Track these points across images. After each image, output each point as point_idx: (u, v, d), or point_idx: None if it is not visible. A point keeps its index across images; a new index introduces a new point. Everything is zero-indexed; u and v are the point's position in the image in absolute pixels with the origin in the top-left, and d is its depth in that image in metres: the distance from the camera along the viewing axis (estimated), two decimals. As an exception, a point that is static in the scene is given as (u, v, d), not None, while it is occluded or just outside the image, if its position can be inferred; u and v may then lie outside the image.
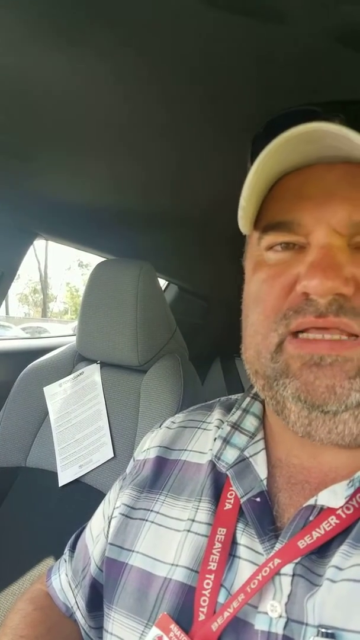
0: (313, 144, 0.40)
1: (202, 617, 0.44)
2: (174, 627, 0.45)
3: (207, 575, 0.46)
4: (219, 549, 0.47)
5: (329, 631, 0.38)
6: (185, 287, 1.92)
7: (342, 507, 0.43)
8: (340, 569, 0.40)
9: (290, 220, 0.44)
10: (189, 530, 0.51)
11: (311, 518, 0.44)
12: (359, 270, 0.42)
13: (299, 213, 0.44)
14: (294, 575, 0.42)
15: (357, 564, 0.40)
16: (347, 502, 0.43)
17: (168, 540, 0.52)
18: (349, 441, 0.43)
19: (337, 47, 0.50)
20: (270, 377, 0.45)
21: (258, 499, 0.48)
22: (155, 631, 0.46)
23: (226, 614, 0.43)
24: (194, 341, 1.57)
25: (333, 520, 0.43)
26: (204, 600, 0.45)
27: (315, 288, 0.41)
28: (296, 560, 0.42)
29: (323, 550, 0.43)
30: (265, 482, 0.49)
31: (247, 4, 0.44)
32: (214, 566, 0.46)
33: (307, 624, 0.40)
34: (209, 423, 0.61)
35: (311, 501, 0.44)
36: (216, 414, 0.61)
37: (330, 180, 0.44)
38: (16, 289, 26.44)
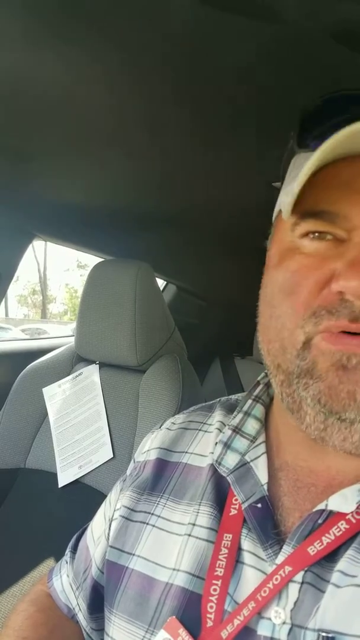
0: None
1: (209, 623, 0.44)
2: (182, 632, 0.45)
3: (214, 582, 0.46)
4: (226, 555, 0.47)
5: (329, 635, 0.38)
6: (184, 287, 1.91)
7: (352, 512, 0.42)
8: (346, 574, 0.40)
9: (336, 212, 0.41)
10: (189, 535, 0.51)
11: (320, 522, 0.43)
12: None
13: (347, 206, 0.41)
14: (302, 582, 0.42)
15: None
16: (357, 507, 0.42)
17: (169, 545, 0.51)
18: None
19: (334, 46, 0.50)
20: (293, 374, 0.43)
21: (259, 505, 0.48)
22: (163, 634, 0.46)
23: (236, 622, 0.42)
24: (193, 341, 1.57)
25: (343, 525, 0.42)
26: (211, 607, 0.45)
27: (354, 289, 0.38)
28: (306, 568, 0.42)
29: (331, 555, 0.42)
30: (265, 487, 0.49)
31: (242, 2, 0.44)
32: (220, 572, 0.46)
33: (306, 628, 0.40)
34: (210, 425, 0.61)
35: (321, 505, 0.43)
36: (217, 416, 0.61)
37: None
38: (15, 290, 26.44)
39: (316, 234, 0.43)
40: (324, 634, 0.38)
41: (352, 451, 0.41)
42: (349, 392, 0.39)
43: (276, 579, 0.42)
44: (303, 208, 0.43)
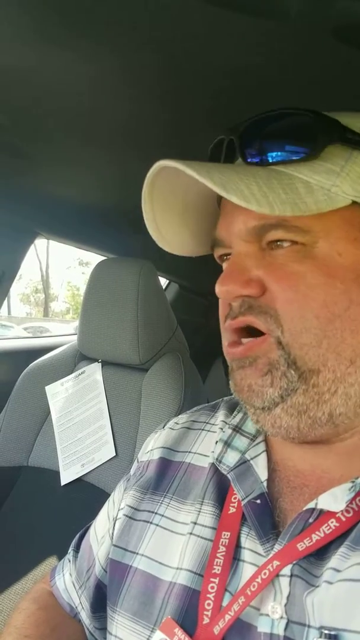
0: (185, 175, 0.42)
1: (206, 620, 0.44)
2: (178, 631, 0.45)
3: (212, 579, 0.46)
4: (223, 553, 0.47)
5: (332, 632, 0.38)
6: (186, 285, 1.91)
7: (342, 510, 0.43)
8: (338, 570, 0.40)
9: (218, 236, 0.50)
10: (191, 533, 0.51)
11: (311, 520, 0.44)
12: (263, 271, 0.45)
13: (220, 228, 0.49)
14: (291, 575, 0.42)
15: (356, 563, 0.40)
16: (347, 506, 0.42)
17: (173, 544, 0.52)
18: (295, 434, 0.45)
19: (335, 43, 0.49)
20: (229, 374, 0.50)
21: (258, 501, 0.48)
22: (159, 635, 0.46)
23: (227, 617, 0.43)
24: (195, 340, 1.57)
25: (333, 523, 0.42)
26: (208, 604, 0.45)
27: (219, 293, 0.47)
28: (294, 562, 0.42)
29: (321, 552, 0.42)
30: (265, 484, 0.49)
31: (245, 0, 0.44)
32: (218, 570, 0.46)
33: (309, 626, 0.40)
34: (213, 425, 0.61)
35: (311, 504, 0.44)
36: (220, 415, 0.61)
37: None
38: (18, 288, 26.48)
39: (226, 256, 0.51)
40: (326, 632, 0.38)
41: (287, 436, 0.46)
42: (249, 386, 0.46)
43: (264, 574, 0.43)
44: (212, 239, 0.52)
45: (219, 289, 0.46)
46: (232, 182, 0.41)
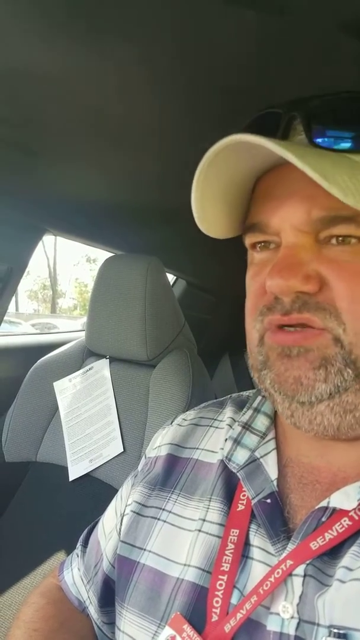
0: (254, 149, 0.40)
1: (215, 617, 0.44)
2: (187, 628, 0.45)
3: (220, 577, 0.46)
4: (232, 550, 0.47)
5: (341, 631, 0.38)
6: (194, 282, 1.91)
7: (354, 508, 0.42)
8: (350, 569, 0.40)
9: (261, 222, 0.46)
10: (200, 530, 0.51)
11: (323, 519, 0.43)
12: (324, 266, 0.42)
13: (267, 214, 0.45)
14: (305, 575, 0.42)
15: None
16: (359, 504, 0.42)
17: (181, 540, 0.52)
18: (333, 433, 0.44)
19: (341, 37, 0.49)
20: (258, 369, 0.47)
21: (269, 500, 0.48)
22: (168, 631, 0.46)
23: (239, 616, 0.43)
24: (203, 336, 1.57)
25: (345, 522, 0.42)
26: (217, 602, 0.45)
27: (272, 287, 0.43)
28: (308, 561, 0.42)
29: (335, 551, 0.42)
30: (275, 483, 0.49)
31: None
32: (226, 567, 0.46)
33: (318, 624, 0.40)
34: (221, 421, 0.61)
35: (323, 503, 0.44)
36: (228, 412, 0.61)
37: (293, 179, 0.43)
38: (25, 285, 26.58)
39: (262, 244, 0.47)
40: (335, 630, 0.38)
41: (322, 433, 0.44)
42: (295, 378, 0.43)
43: (277, 573, 0.43)
44: (246, 223, 0.48)
45: (274, 282, 0.42)
46: (329, 171, 0.38)
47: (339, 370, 0.42)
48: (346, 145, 0.42)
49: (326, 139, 0.43)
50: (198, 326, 1.56)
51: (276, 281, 0.42)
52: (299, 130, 0.44)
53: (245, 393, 0.65)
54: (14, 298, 1.40)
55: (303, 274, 0.42)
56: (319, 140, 0.43)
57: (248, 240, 0.49)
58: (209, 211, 0.48)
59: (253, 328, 0.47)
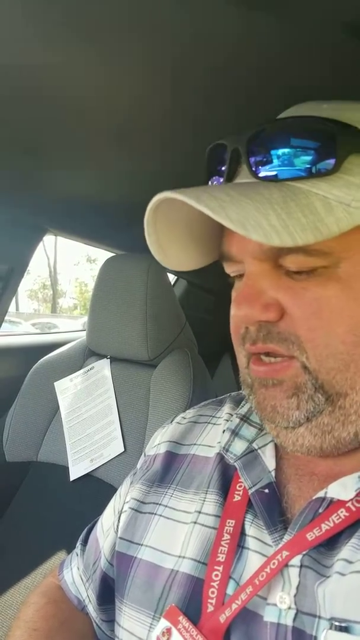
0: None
1: (210, 608, 0.45)
2: (182, 619, 0.45)
3: (216, 567, 0.46)
4: (228, 541, 0.47)
5: (343, 624, 0.38)
6: (194, 282, 1.91)
7: (352, 499, 0.43)
8: (350, 562, 0.40)
9: (225, 252, 0.47)
10: (195, 522, 0.51)
11: (320, 510, 0.44)
12: (281, 294, 0.43)
13: (229, 244, 0.46)
14: (301, 566, 0.42)
15: None
16: (357, 495, 0.42)
17: (176, 533, 0.52)
18: (316, 453, 0.45)
19: (344, 38, 0.49)
20: (247, 390, 0.49)
21: (266, 490, 0.48)
22: (163, 623, 0.46)
23: (234, 606, 0.43)
24: (203, 336, 1.56)
25: (342, 513, 0.42)
26: (213, 592, 0.45)
27: (235, 318, 0.46)
28: (304, 552, 0.42)
29: (332, 542, 0.42)
30: (273, 473, 0.49)
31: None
32: (222, 558, 0.47)
33: (319, 617, 0.40)
34: (219, 417, 0.61)
35: (321, 493, 0.44)
36: (226, 409, 0.61)
37: None
38: (26, 285, 26.61)
39: (234, 271, 0.49)
40: (336, 623, 0.38)
41: (305, 453, 0.45)
42: (272, 406, 0.45)
43: (273, 563, 0.43)
44: (219, 252, 0.49)
45: (235, 312, 0.45)
46: (251, 216, 0.37)
47: (310, 397, 0.43)
48: (288, 174, 0.41)
49: (267, 171, 0.42)
50: (198, 326, 1.56)
51: (237, 312, 0.44)
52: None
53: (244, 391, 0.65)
54: (14, 298, 1.40)
55: (261, 304, 0.43)
56: (261, 174, 0.43)
57: (226, 269, 0.50)
58: (172, 249, 0.48)
59: (240, 353, 0.48)
